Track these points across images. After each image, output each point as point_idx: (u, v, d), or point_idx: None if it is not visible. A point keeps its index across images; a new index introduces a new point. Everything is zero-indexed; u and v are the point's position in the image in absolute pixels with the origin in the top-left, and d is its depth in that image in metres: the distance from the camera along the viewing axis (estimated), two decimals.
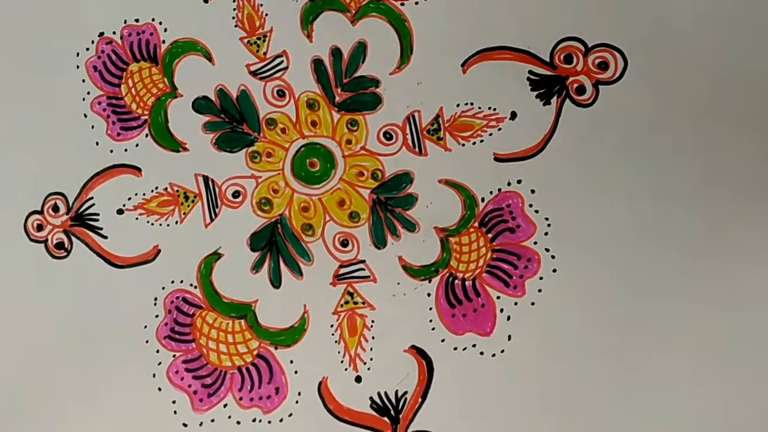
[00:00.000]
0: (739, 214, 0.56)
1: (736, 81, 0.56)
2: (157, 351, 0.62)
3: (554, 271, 0.57)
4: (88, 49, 0.65)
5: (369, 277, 0.61)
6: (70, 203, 0.65)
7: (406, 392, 0.59)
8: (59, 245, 0.65)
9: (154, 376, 0.62)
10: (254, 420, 0.60)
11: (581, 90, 0.58)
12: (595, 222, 0.57)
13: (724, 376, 0.55)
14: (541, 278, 0.58)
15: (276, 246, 0.62)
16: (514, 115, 0.59)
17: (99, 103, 0.65)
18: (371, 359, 0.59)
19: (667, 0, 0.57)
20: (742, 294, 0.55)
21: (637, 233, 0.56)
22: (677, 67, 0.57)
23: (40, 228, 0.65)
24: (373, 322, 0.60)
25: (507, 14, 0.59)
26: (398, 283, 0.60)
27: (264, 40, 0.63)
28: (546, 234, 0.58)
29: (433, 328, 0.59)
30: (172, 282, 0.63)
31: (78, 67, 0.65)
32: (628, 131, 0.57)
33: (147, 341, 0.62)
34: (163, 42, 0.64)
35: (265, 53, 0.63)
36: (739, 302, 0.55)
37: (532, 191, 0.58)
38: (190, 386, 0.62)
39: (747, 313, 0.55)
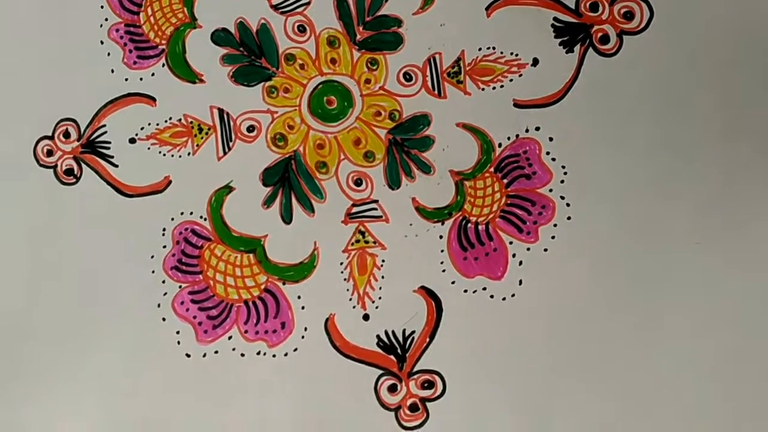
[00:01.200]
0: (756, 170, 0.59)
1: (761, 37, 0.59)
2: (163, 281, 0.65)
3: (568, 218, 0.60)
4: None
5: (381, 217, 0.63)
6: (82, 130, 0.67)
7: (413, 332, 0.61)
8: (68, 171, 0.67)
9: (159, 306, 0.65)
10: (259, 353, 0.63)
11: (605, 39, 0.61)
12: (612, 173, 0.60)
13: (734, 330, 0.58)
14: (555, 225, 0.61)
15: (289, 182, 0.64)
16: (536, 62, 0.62)
17: (116, 30, 0.67)
18: (380, 298, 0.62)
19: None
20: (756, 248, 0.58)
21: (654, 186, 0.59)
22: (703, 21, 0.59)
23: (50, 153, 0.67)
24: (383, 261, 0.63)
25: None
26: (411, 224, 0.63)
27: None
28: (562, 182, 0.61)
29: (444, 270, 0.62)
30: (182, 213, 0.65)
31: None
32: (650, 83, 0.60)
33: (153, 271, 0.65)
34: None
35: None
36: (753, 256, 0.58)
37: (551, 139, 0.61)
38: (195, 317, 0.64)
39: (760, 266, 0.58)
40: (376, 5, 0.64)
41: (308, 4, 0.64)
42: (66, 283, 0.66)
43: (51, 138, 0.67)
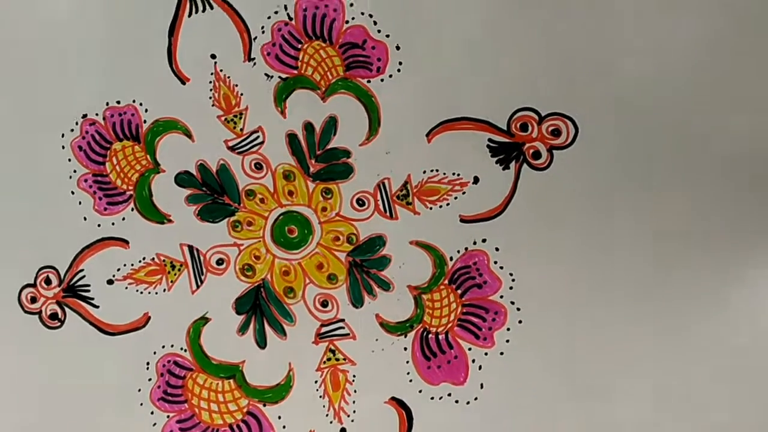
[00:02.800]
0: (683, 261, 0.68)
1: (678, 143, 0.67)
2: (152, 413, 0.73)
3: (520, 322, 0.69)
4: (72, 130, 0.75)
5: (349, 334, 0.72)
6: (62, 276, 0.75)
7: None
8: (53, 316, 0.75)
9: None
10: None
11: (537, 155, 0.69)
12: (554, 275, 0.69)
13: (682, 416, 0.67)
14: (508, 329, 0.69)
15: (260, 309, 0.73)
16: (476, 180, 0.70)
17: (85, 181, 0.75)
18: (354, 411, 0.71)
19: (612, 72, 0.67)
20: (688, 331, 0.67)
21: (592, 283, 0.68)
22: (624, 133, 0.68)
23: (33, 300, 0.75)
24: (354, 376, 0.72)
25: (466, 88, 0.70)
26: (376, 339, 0.71)
27: (240, 117, 0.73)
28: (511, 288, 0.69)
29: (411, 380, 0.70)
30: (163, 347, 0.74)
31: (63, 147, 0.75)
32: (581, 192, 0.69)
33: (141, 404, 0.74)
34: (145, 121, 0.74)
35: (242, 129, 0.73)
36: (686, 338, 0.67)
37: (497, 249, 0.70)
38: None
39: (695, 349, 0.67)
40: (325, 139, 0.72)
41: (262, 143, 0.73)
42: (57, 422, 0.74)
43: (33, 285, 0.76)
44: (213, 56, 0.73)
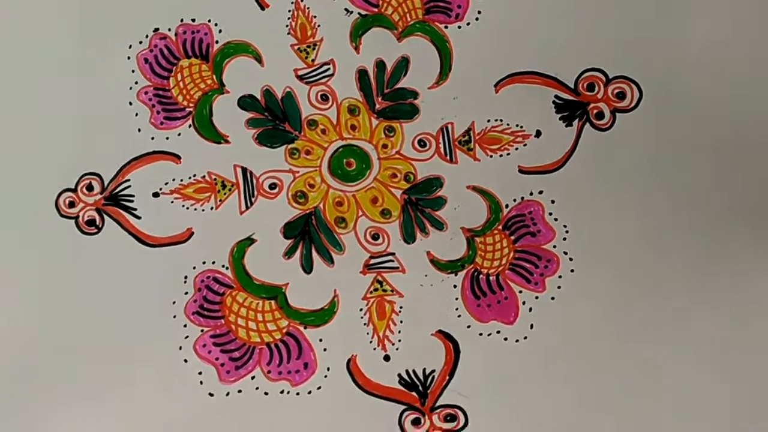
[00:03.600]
0: (737, 231, 0.72)
1: (742, 120, 0.73)
2: (185, 325, 0.73)
3: (572, 271, 0.73)
4: (141, 42, 0.78)
5: (398, 268, 0.74)
6: (105, 184, 0.76)
7: (433, 371, 0.71)
8: (90, 222, 0.75)
9: (180, 348, 0.73)
10: (282, 392, 0.72)
11: (600, 115, 0.74)
12: (608, 230, 0.73)
13: (726, 372, 0.70)
14: (560, 277, 0.73)
15: (309, 235, 0.75)
16: (539, 133, 0.75)
17: (146, 93, 0.77)
18: (399, 341, 0.72)
19: (683, 39, 0.74)
20: (741, 296, 0.71)
21: (646, 241, 0.73)
22: (688, 102, 0.73)
23: (72, 205, 0.76)
24: (401, 308, 0.73)
25: (538, 43, 0.75)
26: (426, 275, 0.74)
27: (313, 48, 0.77)
28: (564, 239, 0.73)
29: (459, 316, 0.73)
30: (204, 263, 0.74)
31: (129, 58, 0.77)
32: (640, 155, 0.74)
33: (174, 316, 0.73)
34: (216, 42, 0.77)
35: (313, 60, 0.77)
36: (738, 304, 0.71)
37: (552, 201, 0.74)
38: (217, 359, 0.73)
39: (746, 312, 0.71)
40: (394, 79, 0.76)
41: (332, 75, 0.77)
42: (87, 328, 0.73)
43: (74, 191, 0.76)
44: None
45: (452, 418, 0.71)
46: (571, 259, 0.72)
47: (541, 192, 0.74)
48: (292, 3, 0.77)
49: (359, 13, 0.77)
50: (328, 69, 0.77)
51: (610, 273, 0.72)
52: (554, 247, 0.73)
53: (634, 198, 0.73)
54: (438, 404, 0.71)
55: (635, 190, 0.73)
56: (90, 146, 0.77)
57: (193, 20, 0.78)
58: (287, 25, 0.77)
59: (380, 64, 0.77)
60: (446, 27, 0.76)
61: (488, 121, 0.75)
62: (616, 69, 0.75)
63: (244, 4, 0.77)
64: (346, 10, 0.77)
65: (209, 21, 0.78)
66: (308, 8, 0.77)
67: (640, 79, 0.74)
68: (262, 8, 0.77)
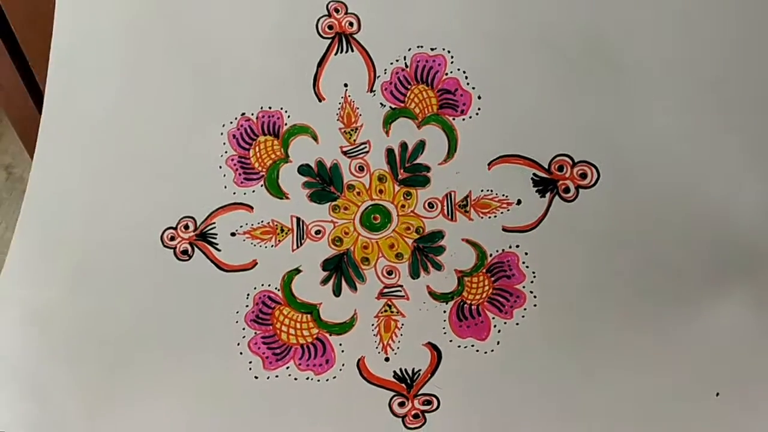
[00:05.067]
0: (673, 293, 0.97)
1: (687, 201, 0.96)
2: (243, 329, 1.00)
3: (534, 306, 0.97)
4: (231, 122, 1.03)
5: (404, 296, 1.00)
6: (197, 224, 1.02)
7: (420, 369, 0.97)
8: (184, 251, 1.02)
9: (238, 344, 1.00)
10: (307, 378, 0.98)
11: (567, 190, 0.96)
12: (566, 278, 0.97)
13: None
14: (525, 309, 0.97)
15: (341, 269, 1.01)
16: (519, 202, 0.97)
17: (232, 160, 1.02)
18: (398, 348, 0.98)
19: (638, 128, 0.96)
20: (668, 330, 0.96)
21: (593, 288, 0.96)
22: (639, 182, 0.95)
23: (172, 239, 1.02)
24: (402, 324, 0.99)
25: (523, 133, 0.97)
26: (424, 302, 0.99)
27: (356, 131, 1.00)
28: (532, 282, 0.97)
29: (445, 333, 0.97)
30: (262, 285, 1.01)
31: (222, 134, 1.02)
32: (596, 223, 0.95)
33: (237, 322, 1.00)
34: (285, 124, 1.03)
35: (354, 140, 1.00)
36: (667, 336, 0.96)
37: (526, 253, 0.97)
38: (263, 353, 0.99)
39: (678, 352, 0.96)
40: (414, 156, 1.00)
41: (367, 152, 1.01)
42: (175, 331, 1.01)
43: (174, 228, 1.03)
44: (345, 85, 1.02)
45: (428, 402, 0.97)
46: (535, 297, 0.97)
47: (518, 246, 0.97)
48: (342, 97, 1.02)
49: (390, 107, 1.01)
50: (365, 147, 1.01)
51: (562, 309, 0.96)
52: (523, 287, 0.97)
53: (588, 255, 0.97)
54: (420, 393, 0.97)
55: (590, 249, 0.97)
56: (189, 196, 1.02)
57: (270, 108, 1.03)
58: (337, 114, 1.01)
59: (404, 145, 1.00)
60: (454, 119, 0.99)
61: (482, 191, 0.99)
62: (581, 154, 0.97)
63: (307, 97, 1.02)
64: (380, 104, 1.01)
65: (281, 109, 1.02)
66: (353, 101, 1.02)
67: (599, 162, 0.97)
68: (320, 100, 1.02)
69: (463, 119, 1.01)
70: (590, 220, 0.97)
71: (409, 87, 1.02)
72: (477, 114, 1.00)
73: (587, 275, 0.97)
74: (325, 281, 1.02)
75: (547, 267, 0.98)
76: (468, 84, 1.01)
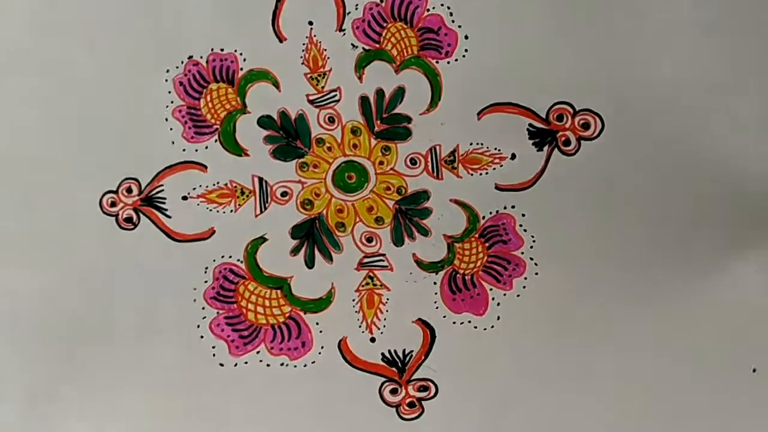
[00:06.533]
0: (681, 247, 0.91)
1: (695, 153, 0.91)
2: (203, 308, 0.92)
3: (536, 274, 0.91)
4: (177, 67, 0.95)
5: (387, 266, 0.92)
6: (142, 187, 0.94)
7: (411, 351, 0.90)
8: (128, 219, 0.93)
9: (198, 326, 0.92)
10: (282, 364, 0.91)
11: (567, 142, 0.92)
12: (569, 241, 0.91)
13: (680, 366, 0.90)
14: (525, 278, 0.91)
15: (313, 236, 0.93)
16: (513, 156, 0.92)
17: (179, 111, 0.94)
18: (384, 326, 0.91)
19: (643, 76, 0.91)
20: (678, 299, 0.90)
21: (599, 251, 0.91)
22: (644, 132, 0.91)
23: (113, 204, 0.93)
24: (387, 299, 0.92)
25: (516, 78, 0.91)
26: (410, 273, 0.92)
27: (323, 77, 0.94)
28: (531, 247, 0.91)
29: (437, 307, 0.91)
30: (222, 257, 0.93)
31: (166, 80, 0.95)
32: (600, 178, 0.91)
33: (195, 300, 0.92)
34: (241, 69, 0.94)
35: (323, 87, 0.94)
36: (676, 306, 0.90)
37: (523, 215, 0.92)
38: (228, 336, 0.92)
39: (688, 315, 0.91)
40: (392, 105, 0.93)
41: (338, 101, 0.94)
42: (118, 307, 0.93)
43: (115, 192, 0.94)
44: (310, 23, 0.94)
45: (425, 388, 0.91)
46: (536, 264, 0.91)
47: (513, 206, 0.92)
48: (306, 37, 0.94)
49: (363, 48, 0.94)
50: (335, 95, 0.95)
51: (566, 277, 0.90)
52: (522, 253, 0.91)
53: (592, 215, 0.91)
54: (413, 377, 0.91)
55: (594, 208, 0.91)
56: (131, 155, 0.95)
57: (222, 50, 0.95)
58: (301, 57, 0.95)
59: (380, 93, 0.94)
60: (437, 62, 0.93)
61: (471, 144, 0.93)
62: (583, 102, 0.92)
63: (265, 37, 0.94)
64: (352, 45, 0.94)
65: (235, 51, 0.95)
66: (320, 42, 0.94)
67: (603, 111, 0.92)
68: (281, 41, 0.94)
69: (448, 62, 0.95)
70: (593, 176, 0.93)
71: (384, 25, 0.95)
72: (464, 56, 0.95)
73: (592, 237, 0.91)
74: (295, 251, 0.94)
75: (548, 229, 0.93)
76: (453, 21, 0.94)
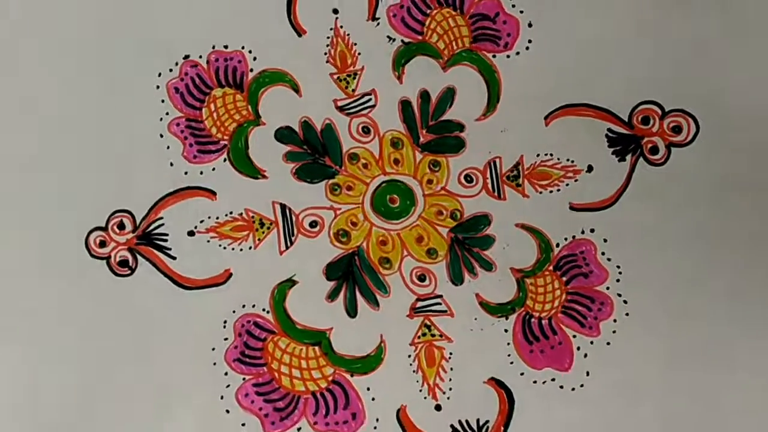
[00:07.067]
0: None
1: None
2: (225, 374, 0.79)
3: (627, 315, 0.78)
4: (171, 70, 0.82)
5: (446, 311, 0.80)
6: (138, 222, 0.81)
7: (487, 421, 0.77)
8: (123, 263, 0.80)
9: (222, 398, 0.78)
10: None
11: (655, 150, 0.80)
12: (664, 270, 0.79)
13: None
14: (614, 320, 0.79)
15: (353, 276, 0.80)
16: (590, 168, 0.81)
17: (177, 125, 0.81)
18: (450, 389, 0.78)
19: (742, 71, 0.80)
20: None
21: (702, 281, 0.78)
22: (747, 136, 0.79)
23: (102, 244, 0.80)
24: (451, 354, 0.79)
25: (592, 74, 0.80)
26: (475, 319, 0.80)
27: (354, 78, 0.82)
28: (618, 280, 0.79)
29: (512, 362, 0.79)
30: (243, 306, 0.80)
31: (158, 87, 0.82)
32: (696, 191, 0.79)
33: (215, 363, 0.79)
34: (251, 70, 0.82)
35: (353, 90, 0.82)
36: None
37: (605, 240, 0.79)
38: (261, 409, 0.78)
39: None
40: (440, 111, 0.81)
41: (373, 107, 0.82)
42: (120, 376, 0.79)
43: (104, 229, 0.81)
44: (335, 11, 0.82)
45: None
46: (625, 302, 0.79)
47: (592, 230, 0.80)
48: (331, 29, 0.82)
49: (402, 41, 0.82)
50: (370, 99, 0.82)
51: (666, 316, 0.78)
52: (607, 288, 0.79)
53: (689, 236, 0.79)
54: None
55: (691, 228, 0.79)
56: (120, 182, 0.82)
57: (226, 47, 0.82)
58: (326, 53, 0.83)
59: (424, 95, 0.82)
60: (494, 56, 0.82)
61: (537, 155, 0.81)
62: (673, 102, 0.80)
63: (279, 30, 0.82)
64: (388, 37, 0.82)
65: (243, 48, 0.82)
66: (348, 35, 0.82)
67: (697, 112, 0.80)
68: (299, 35, 0.82)
69: (508, 56, 0.83)
70: (687, 189, 0.81)
71: (428, 12, 0.84)
72: (527, 48, 0.83)
73: (690, 264, 0.79)
74: (332, 295, 0.80)
75: (636, 257, 0.80)
76: (513, 6, 0.83)
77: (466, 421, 0.78)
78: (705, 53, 0.81)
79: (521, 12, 0.81)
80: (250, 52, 0.83)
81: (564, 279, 0.80)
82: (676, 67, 0.81)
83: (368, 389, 0.79)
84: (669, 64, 0.81)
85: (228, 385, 0.79)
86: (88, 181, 0.82)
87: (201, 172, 0.82)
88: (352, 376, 0.79)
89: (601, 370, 0.78)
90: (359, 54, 0.83)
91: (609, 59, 0.81)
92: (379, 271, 0.80)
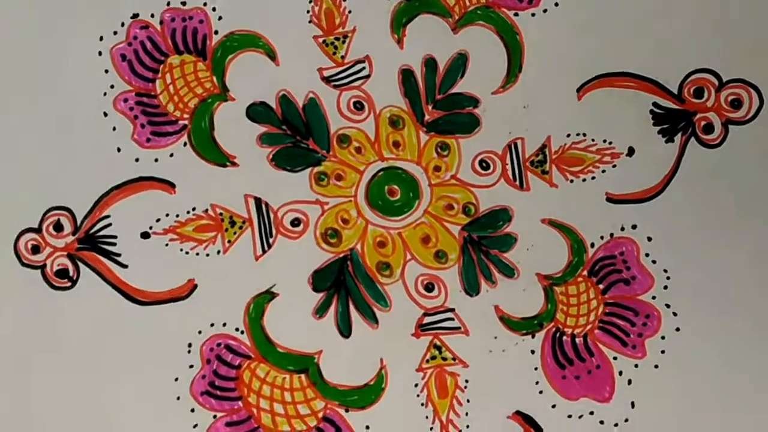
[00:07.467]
0: None
1: None
2: (192, 410, 0.70)
3: (677, 330, 0.71)
4: (116, 33, 0.72)
5: (460, 328, 0.72)
6: (79, 221, 0.71)
7: None
8: (61, 273, 0.70)
9: None
10: None
11: (709, 128, 0.72)
12: (720, 275, 0.72)
13: None
14: (663, 338, 0.71)
15: (345, 287, 0.73)
16: (631, 151, 0.72)
17: (125, 101, 0.72)
18: (467, 426, 0.71)
19: None
20: None
21: (765, 289, 0.70)
22: None
23: (36, 250, 0.70)
24: (467, 381, 0.71)
25: (635, 38, 0.74)
26: (495, 337, 0.71)
27: (343, 42, 0.74)
28: (665, 288, 0.72)
29: (541, 392, 0.70)
30: (212, 325, 0.71)
31: (100, 53, 0.72)
32: (759, 176, 0.72)
33: (178, 398, 0.70)
34: (216, 33, 0.73)
35: (343, 57, 0.74)
36: None
37: (649, 239, 0.72)
38: None
39: None
40: (449, 81, 0.73)
41: (368, 77, 0.73)
42: (60, 412, 0.70)
43: (38, 231, 0.71)
44: None
45: None
46: (675, 314, 0.70)
47: (634, 227, 0.72)
48: None
49: None
50: (363, 68, 0.74)
51: (725, 331, 0.70)
52: (653, 298, 0.71)
53: (750, 234, 0.72)
54: None
55: (752, 224, 0.71)
56: (56, 172, 0.73)
57: (184, 3, 0.74)
58: (308, 11, 0.74)
59: (430, 62, 0.73)
60: (516, 15, 0.73)
61: (568, 135, 0.73)
62: (731, 71, 0.72)
63: None
64: None
65: (205, 5, 0.74)
66: None
67: (761, 83, 0.72)
68: None
69: (533, 14, 0.74)
70: (747, 175, 0.73)
71: None
72: (556, 5, 0.75)
73: (752, 268, 0.71)
74: (320, 310, 0.71)
75: (686, 259, 0.72)
76: None
77: None
78: None
79: None
80: (213, 9, 0.74)
81: (601, 287, 0.72)
82: (735, 28, 0.73)
83: (367, 428, 0.71)
84: (727, 25, 0.73)
85: (195, 425, 0.70)
86: (17, 173, 0.73)
87: (156, 160, 0.73)
88: (347, 411, 0.71)
89: (649, 399, 0.70)
90: (349, 12, 0.74)
91: (654, 19, 0.74)
92: (377, 279, 0.73)
